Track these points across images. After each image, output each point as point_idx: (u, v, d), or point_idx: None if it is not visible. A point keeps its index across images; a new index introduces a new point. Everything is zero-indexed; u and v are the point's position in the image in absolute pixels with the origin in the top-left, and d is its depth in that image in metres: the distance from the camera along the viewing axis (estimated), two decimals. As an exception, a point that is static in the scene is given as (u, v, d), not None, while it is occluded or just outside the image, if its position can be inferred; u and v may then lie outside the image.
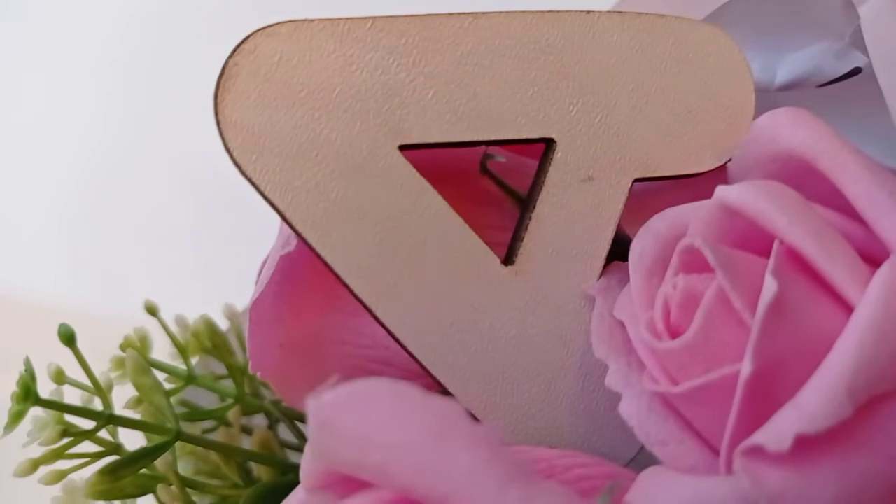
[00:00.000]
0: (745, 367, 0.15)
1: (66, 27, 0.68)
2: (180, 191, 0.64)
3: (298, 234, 0.19)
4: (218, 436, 0.26)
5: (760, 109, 0.22)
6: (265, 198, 0.18)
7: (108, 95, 0.67)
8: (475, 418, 0.19)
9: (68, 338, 0.21)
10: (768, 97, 0.25)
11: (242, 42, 0.18)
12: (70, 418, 0.22)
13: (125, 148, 0.66)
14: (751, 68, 0.21)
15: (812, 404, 0.15)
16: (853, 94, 0.24)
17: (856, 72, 0.24)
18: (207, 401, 0.27)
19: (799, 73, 0.24)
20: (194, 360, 0.27)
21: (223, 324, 0.29)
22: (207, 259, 0.62)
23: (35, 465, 0.20)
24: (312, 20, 0.19)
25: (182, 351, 0.26)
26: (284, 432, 0.28)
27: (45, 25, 0.69)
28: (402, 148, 0.19)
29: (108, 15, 0.67)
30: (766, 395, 0.16)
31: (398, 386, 0.15)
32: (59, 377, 0.21)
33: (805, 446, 0.15)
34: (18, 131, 0.69)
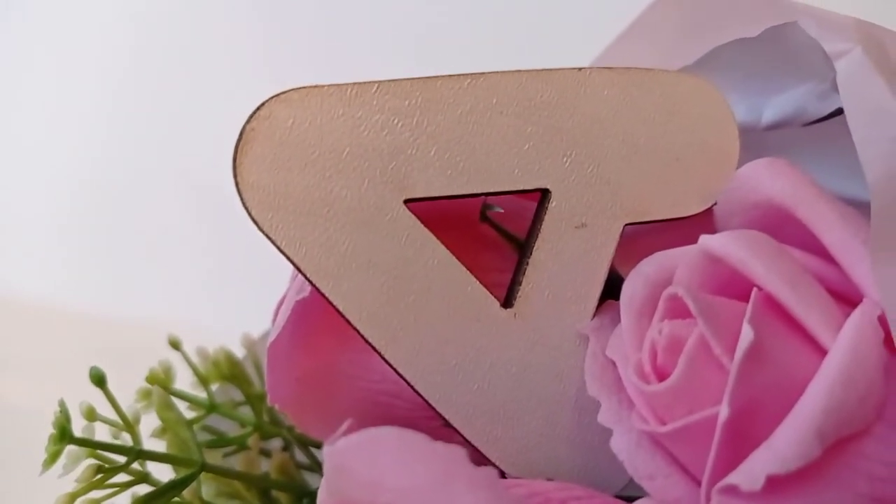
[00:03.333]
0: (723, 411, 0.17)
1: (73, 30, 0.69)
2: (183, 193, 0.65)
3: (312, 284, 0.20)
4: (238, 459, 0.28)
5: (748, 148, 0.23)
6: (281, 251, 0.20)
7: (113, 94, 0.68)
8: (477, 455, 0.21)
9: (99, 379, 0.22)
10: (756, 136, 0.26)
11: (258, 109, 0.20)
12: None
13: (129, 151, 0.67)
14: (735, 116, 0.23)
15: (783, 446, 0.16)
16: (836, 132, 0.25)
17: (839, 112, 0.25)
18: (227, 422, 0.29)
19: (784, 113, 0.26)
20: (214, 387, 0.29)
21: (240, 351, 0.31)
22: (210, 260, 0.63)
23: (72, 498, 0.21)
24: (322, 86, 0.20)
25: (203, 381, 0.27)
26: (299, 453, 0.29)
27: (51, 29, 0.70)
28: (408, 202, 0.20)
29: (116, 19, 0.68)
30: (743, 435, 0.17)
31: (405, 433, 0.16)
32: (91, 415, 0.22)
33: (776, 485, 0.16)
34: (24, 134, 0.70)
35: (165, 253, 0.65)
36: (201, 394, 0.28)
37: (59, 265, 0.67)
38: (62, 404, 0.21)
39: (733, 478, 0.16)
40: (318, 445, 0.28)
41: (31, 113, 0.70)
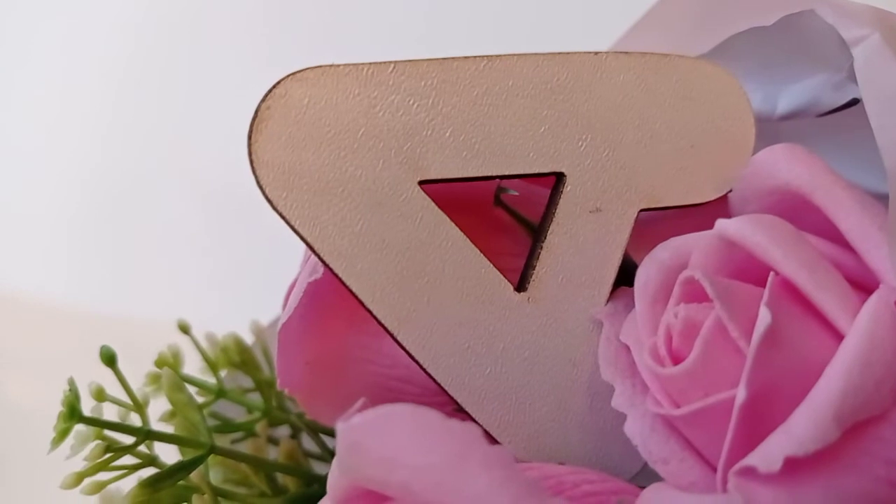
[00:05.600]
0: (740, 394, 0.17)
1: (74, 28, 0.69)
2: (187, 191, 0.65)
3: (325, 264, 0.20)
4: (246, 446, 0.28)
5: (763, 138, 0.23)
6: (295, 231, 0.20)
7: (116, 92, 0.68)
8: (491, 437, 0.21)
9: (109, 358, 0.22)
10: (770, 126, 0.26)
11: (274, 87, 0.20)
12: (109, 431, 0.23)
13: (132, 149, 0.67)
14: (751, 103, 0.22)
15: (801, 429, 0.16)
16: (851, 123, 0.25)
17: (853, 102, 0.25)
18: (235, 410, 0.29)
19: (799, 103, 0.25)
20: (223, 374, 0.28)
21: (249, 338, 0.31)
22: (214, 259, 0.63)
23: (79, 478, 0.21)
24: (338, 65, 0.20)
25: (212, 366, 0.27)
26: (307, 441, 0.29)
27: (53, 26, 0.70)
28: (422, 183, 0.20)
29: (119, 16, 0.68)
30: (759, 419, 0.17)
31: (420, 410, 0.16)
32: (100, 395, 0.22)
33: (794, 467, 0.16)
34: (28, 130, 0.70)
35: (169, 251, 0.65)
36: (210, 380, 0.27)
37: (62, 263, 0.67)
38: (72, 383, 0.21)
39: (750, 460, 0.16)
40: (328, 432, 0.28)
41: (34, 111, 0.70)
